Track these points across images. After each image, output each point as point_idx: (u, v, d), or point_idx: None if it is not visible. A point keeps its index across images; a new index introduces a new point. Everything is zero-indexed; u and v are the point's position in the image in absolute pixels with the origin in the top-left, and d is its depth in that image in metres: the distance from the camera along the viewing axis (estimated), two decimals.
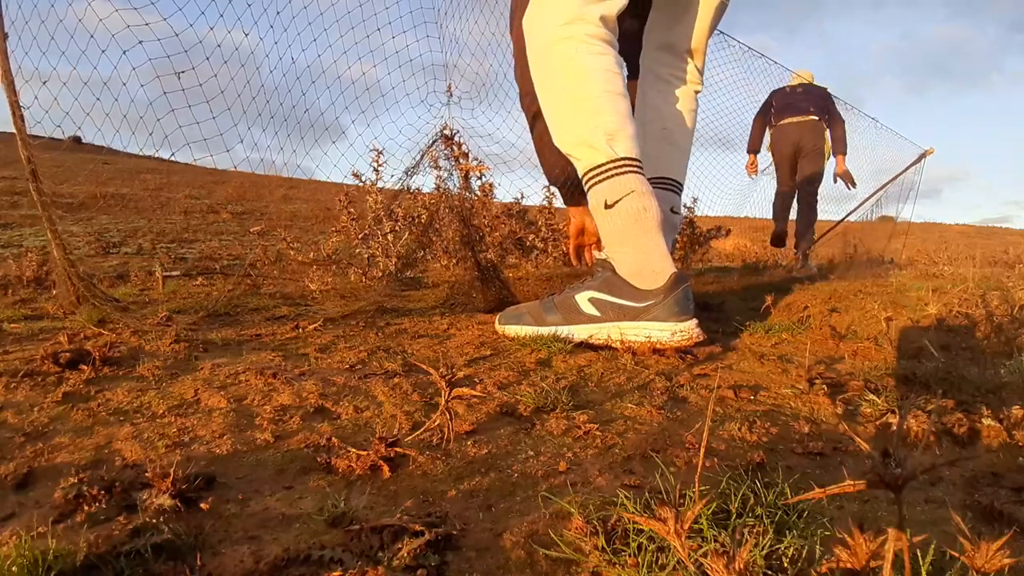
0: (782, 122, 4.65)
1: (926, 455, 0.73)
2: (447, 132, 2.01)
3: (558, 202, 3.01)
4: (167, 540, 0.49)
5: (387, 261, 2.70)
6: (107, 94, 1.37)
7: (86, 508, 0.55)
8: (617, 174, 1.25)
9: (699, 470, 0.42)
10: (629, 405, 0.90)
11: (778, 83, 4.96)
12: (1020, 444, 0.75)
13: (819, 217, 4.76)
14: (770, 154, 4.87)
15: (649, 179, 1.34)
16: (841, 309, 1.74)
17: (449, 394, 0.72)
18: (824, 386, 0.99)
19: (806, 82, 4.77)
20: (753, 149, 4.91)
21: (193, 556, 0.48)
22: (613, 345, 1.26)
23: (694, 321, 1.25)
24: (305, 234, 5.25)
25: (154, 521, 0.52)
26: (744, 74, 4.78)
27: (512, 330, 1.37)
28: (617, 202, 1.24)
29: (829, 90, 4.73)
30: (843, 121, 4.66)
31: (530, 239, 2.84)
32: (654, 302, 1.24)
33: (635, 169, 1.26)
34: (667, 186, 1.58)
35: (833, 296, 2.00)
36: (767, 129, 4.83)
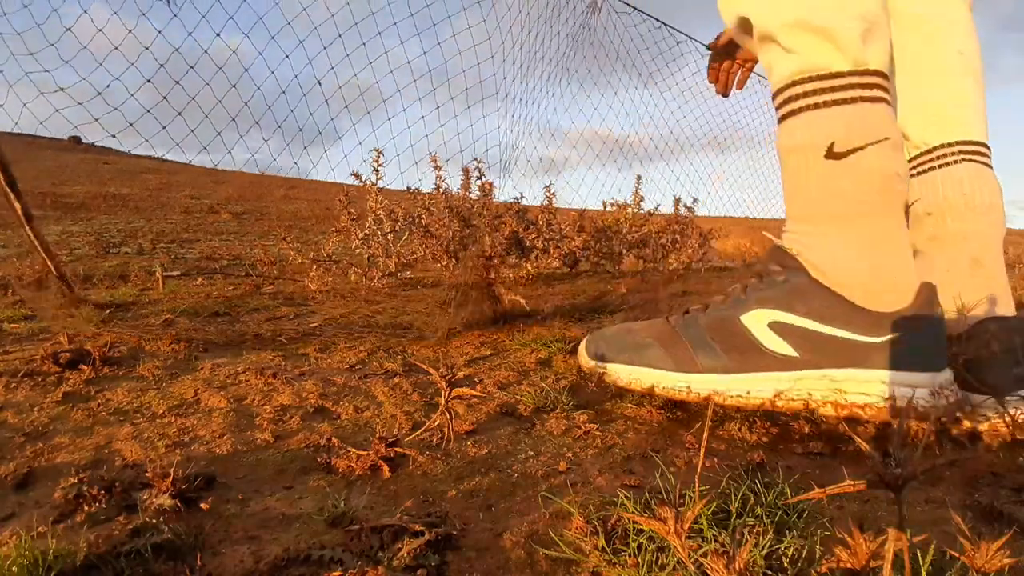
0: None
1: (926, 455, 0.73)
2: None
3: (558, 202, 3.01)
4: (167, 540, 0.49)
5: (387, 261, 2.70)
6: (114, 97, 1.38)
7: (86, 508, 0.55)
8: (865, 99, 0.74)
9: (699, 470, 0.42)
10: (629, 405, 0.90)
11: None
12: (1020, 444, 0.75)
13: None
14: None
15: (950, 145, 0.93)
16: None
17: (449, 394, 0.72)
18: None
19: None
20: None
21: (193, 556, 0.48)
22: (819, 409, 0.75)
23: (949, 372, 0.75)
24: (305, 234, 5.25)
25: (154, 521, 0.52)
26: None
27: (625, 373, 0.83)
28: (857, 150, 0.73)
29: None
30: None
31: (530, 239, 2.84)
32: (896, 336, 0.72)
33: (888, 97, 0.76)
34: (984, 158, 0.96)
35: None
36: None
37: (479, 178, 2.85)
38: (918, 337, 0.72)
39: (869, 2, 0.74)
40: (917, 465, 0.31)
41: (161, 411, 0.84)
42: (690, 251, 3.57)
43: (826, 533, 0.49)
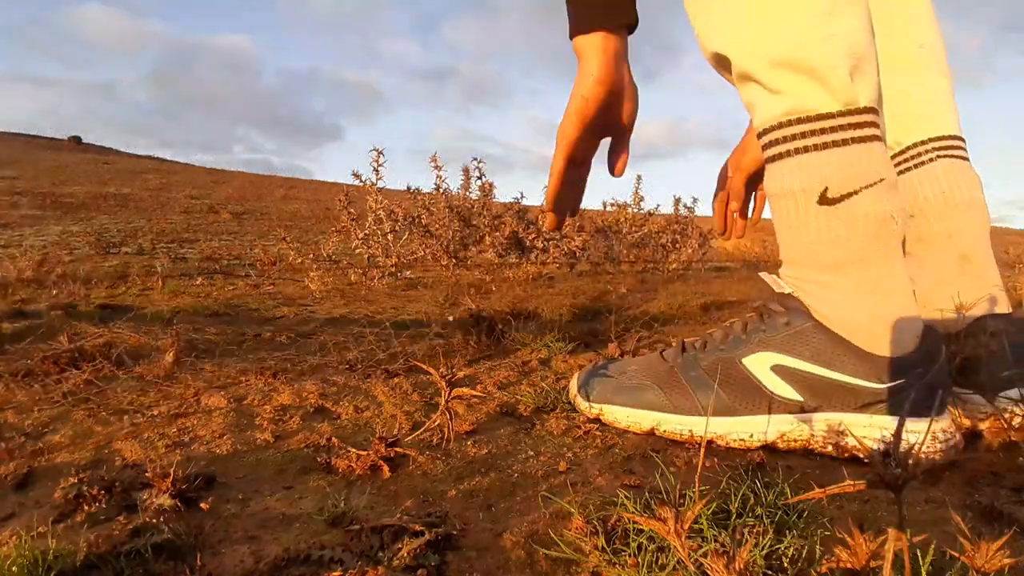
0: None
1: (926, 455, 0.73)
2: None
3: None
4: (167, 540, 0.49)
5: (387, 261, 2.70)
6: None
7: (86, 508, 0.55)
8: (858, 140, 0.70)
9: (699, 470, 0.42)
10: None
11: None
12: (1020, 444, 0.75)
13: None
14: None
15: (923, 143, 0.91)
16: None
17: (449, 394, 0.72)
18: None
19: None
20: None
21: (193, 556, 0.48)
22: (820, 450, 0.73)
23: (949, 417, 0.73)
24: (305, 234, 5.26)
25: (154, 521, 0.52)
26: None
27: (623, 416, 0.81)
28: (852, 194, 0.71)
29: None
30: None
31: (530, 239, 2.84)
32: (900, 382, 0.71)
33: (879, 133, 0.72)
34: (959, 152, 0.94)
35: None
36: None
37: (479, 178, 2.85)
38: (922, 383, 0.71)
39: (856, 36, 0.69)
40: (917, 465, 0.31)
41: (161, 411, 0.84)
42: (690, 251, 3.57)
43: (826, 533, 0.49)
